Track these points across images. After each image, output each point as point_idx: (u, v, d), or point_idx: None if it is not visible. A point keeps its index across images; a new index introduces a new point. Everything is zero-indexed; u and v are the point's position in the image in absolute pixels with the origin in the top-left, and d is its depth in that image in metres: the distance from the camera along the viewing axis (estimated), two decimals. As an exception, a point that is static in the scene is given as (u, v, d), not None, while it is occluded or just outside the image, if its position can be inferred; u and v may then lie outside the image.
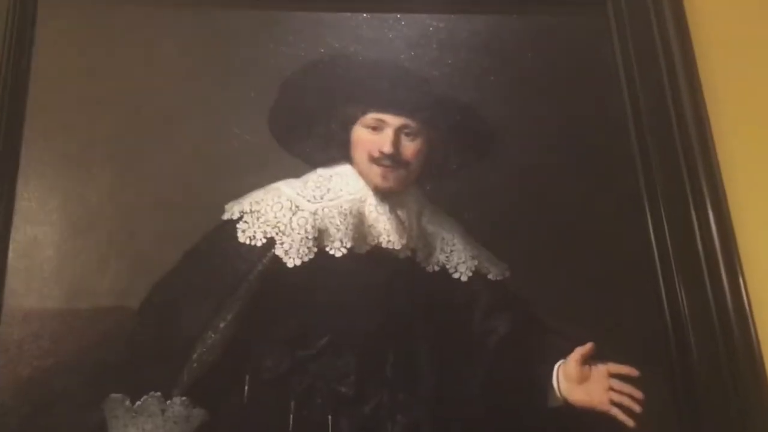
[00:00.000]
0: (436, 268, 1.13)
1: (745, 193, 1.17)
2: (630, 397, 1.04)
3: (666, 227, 1.15)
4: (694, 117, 1.18)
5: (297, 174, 1.15)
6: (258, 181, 1.13)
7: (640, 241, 1.16)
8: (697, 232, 1.13)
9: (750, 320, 1.07)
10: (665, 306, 1.12)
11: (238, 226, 1.10)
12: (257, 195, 1.13)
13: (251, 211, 1.11)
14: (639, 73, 1.23)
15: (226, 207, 1.11)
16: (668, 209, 1.16)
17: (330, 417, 1.03)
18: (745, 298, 1.08)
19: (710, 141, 1.17)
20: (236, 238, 1.09)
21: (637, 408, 1.04)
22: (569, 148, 1.21)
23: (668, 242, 1.14)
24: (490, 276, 1.14)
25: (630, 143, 1.22)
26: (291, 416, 1.02)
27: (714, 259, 1.10)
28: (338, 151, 1.16)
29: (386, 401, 1.04)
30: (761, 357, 1.06)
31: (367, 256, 1.11)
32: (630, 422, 1.03)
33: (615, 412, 1.04)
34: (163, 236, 1.10)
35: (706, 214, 1.13)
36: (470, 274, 1.13)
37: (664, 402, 1.08)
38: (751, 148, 1.21)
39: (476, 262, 1.14)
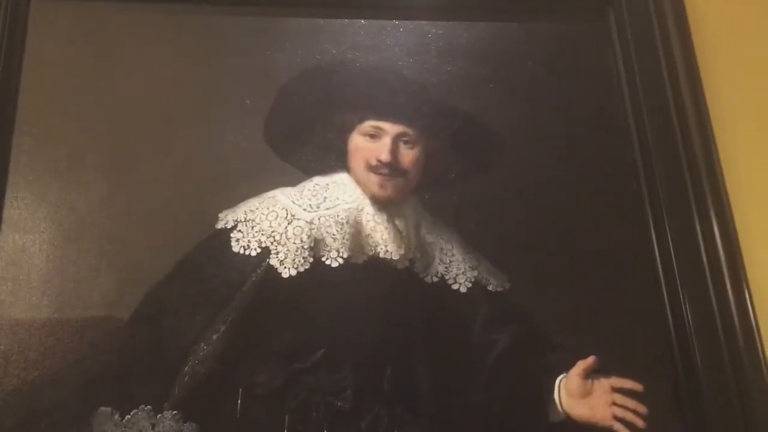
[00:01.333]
0: (435, 279, 1.11)
1: (749, 203, 1.15)
2: (633, 411, 1.02)
3: (669, 238, 1.12)
4: (698, 125, 1.17)
5: (293, 182, 1.13)
6: (253, 189, 1.11)
7: (643, 252, 1.14)
8: (701, 244, 1.10)
9: (755, 332, 1.05)
10: (669, 318, 1.10)
11: (232, 235, 1.07)
12: (252, 203, 1.10)
13: (246, 220, 1.09)
14: (641, 81, 1.22)
15: (220, 216, 1.09)
16: (671, 219, 1.13)
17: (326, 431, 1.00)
18: (750, 309, 1.06)
19: (714, 150, 1.15)
20: (230, 247, 1.06)
21: (640, 423, 1.01)
22: (570, 157, 1.19)
23: (672, 253, 1.12)
24: (490, 287, 1.11)
25: (632, 152, 1.20)
26: (285, 431, 0.99)
27: (718, 271, 1.08)
28: (335, 160, 1.14)
29: (384, 416, 1.01)
30: (767, 371, 1.03)
31: (365, 267, 1.08)
32: (634, 438, 1.00)
33: (618, 427, 1.01)
34: (156, 246, 1.07)
35: (710, 225, 1.11)
36: (470, 285, 1.11)
37: (668, 416, 1.05)
38: (756, 157, 1.19)
39: (476, 273, 1.11)
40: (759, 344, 1.04)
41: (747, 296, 1.07)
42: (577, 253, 1.14)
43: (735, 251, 1.09)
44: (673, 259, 1.11)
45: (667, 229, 1.13)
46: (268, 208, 1.10)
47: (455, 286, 1.11)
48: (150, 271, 1.05)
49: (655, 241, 1.14)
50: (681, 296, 1.09)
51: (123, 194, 1.11)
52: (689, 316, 1.08)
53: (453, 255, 1.12)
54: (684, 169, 1.15)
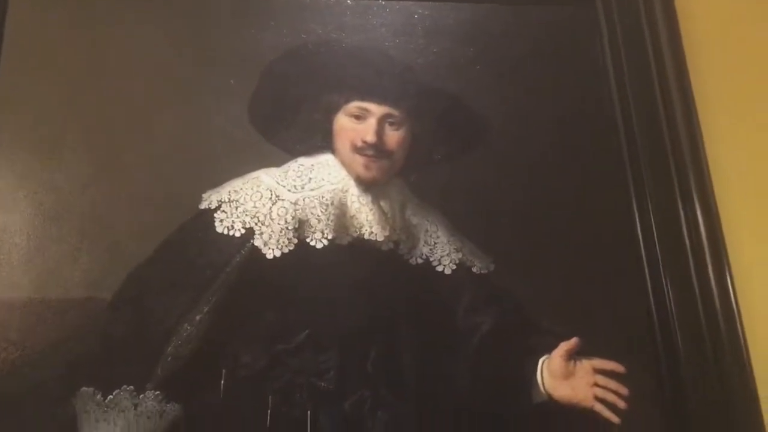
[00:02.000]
0: (420, 261, 1.11)
1: (733, 189, 1.16)
2: (615, 393, 1.02)
3: (652, 221, 1.14)
4: (683, 112, 1.17)
5: (277, 163, 1.12)
6: (237, 170, 1.10)
7: (626, 235, 1.14)
8: (684, 227, 1.12)
9: (736, 314, 1.06)
10: (651, 301, 1.11)
11: (215, 215, 1.06)
12: (236, 184, 1.10)
13: (230, 201, 1.08)
14: (627, 65, 1.22)
15: (204, 196, 1.08)
16: (655, 203, 1.15)
17: (309, 413, 1.00)
18: (731, 291, 1.07)
19: (699, 137, 1.16)
20: (214, 228, 1.05)
21: (622, 404, 1.02)
22: (556, 141, 1.20)
23: (654, 237, 1.13)
24: (474, 269, 1.12)
25: (618, 137, 1.20)
26: (269, 412, 0.99)
27: (701, 256, 1.09)
28: (320, 141, 1.13)
29: (367, 397, 1.02)
30: (747, 354, 1.05)
31: (349, 248, 1.08)
32: (615, 418, 1.01)
33: (599, 408, 1.02)
34: (138, 226, 1.07)
35: (693, 208, 1.12)
36: (454, 266, 1.11)
37: (649, 399, 1.06)
38: (741, 145, 1.20)
39: (460, 255, 1.12)
40: (739, 326, 1.06)
41: (728, 279, 1.08)
42: (561, 236, 1.15)
43: (717, 234, 1.10)
44: (656, 242, 1.12)
45: (651, 213, 1.14)
46: (252, 189, 1.09)
47: (440, 268, 1.11)
48: (132, 251, 1.04)
49: (638, 224, 1.15)
50: (663, 279, 1.11)
51: (105, 174, 1.10)
52: (671, 298, 1.09)
53: (438, 237, 1.12)
54: (668, 153, 1.16)
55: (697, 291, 1.08)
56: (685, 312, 1.08)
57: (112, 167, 1.10)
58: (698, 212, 1.11)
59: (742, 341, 1.05)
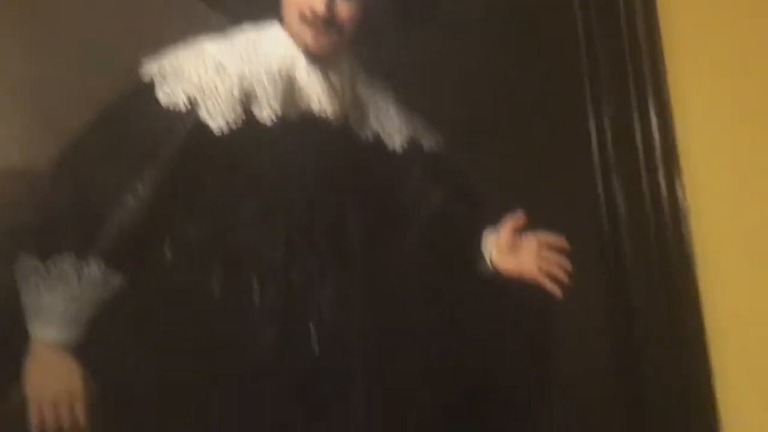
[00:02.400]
0: (370, 136, 1.10)
1: (689, 97, 1.14)
2: (559, 266, 1.04)
3: (603, 112, 1.13)
4: (645, 18, 1.15)
5: (222, 31, 1.07)
6: (179, 37, 1.04)
7: (577, 118, 1.15)
8: (636, 115, 1.12)
9: (682, 216, 1.08)
10: (599, 183, 1.12)
11: (157, 85, 1.00)
12: (179, 53, 1.03)
13: (172, 71, 1.01)
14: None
15: (144, 63, 1.02)
16: (609, 89, 1.14)
17: (255, 283, 0.99)
18: (680, 195, 1.08)
19: (657, 37, 1.15)
20: (155, 97, 0.99)
21: (565, 279, 1.03)
22: (512, 20, 1.17)
23: (604, 123, 1.13)
24: (424, 145, 1.11)
25: (575, 24, 1.18)
26: (216, 282, 0.98)
27: (653, 158, 1.10)
28: (267, 9, 1.07)
29: (315, 268, 1.01)
30: (692, 253, 1.06)
31: (297, 122, 1.05)
32: (557, 292, 1.03)
33: (543, 280, 1.03)
34: (75, 94, 1.02)
35: (647, 111, 1.11)
36: (404, 143, 1.10)
37: (592, 275, 1.09)
38: (701, 54, 1.17)
39: (410, 131, 1.11)
40: (684, 226, 1.07)
41: (677, 180, 1.09)
42: (514, 117, 1.15)
43: (669, 127, 1.11)
44: (606, 130, 1.13)
45: (603, 107, 1.14)
46: (196, 59, 1.03)
47: (390, 143, 1.10)
48: (71, 121, 0.99)
49: (590, 109, 1.15)
50: (611, 167, 1.11)
51: (39, 41, 1.04)
52: (618, 182, 1.11)
53: (388, 111, 1.11)
54: (626, 50, 1.14)
55: (646, 190, 1.09)
56: (631, 195, 1.10)
57: (48, 32, 1.05)
58: (652, 113, 1.11)
59: (688, 240, 1.07)
